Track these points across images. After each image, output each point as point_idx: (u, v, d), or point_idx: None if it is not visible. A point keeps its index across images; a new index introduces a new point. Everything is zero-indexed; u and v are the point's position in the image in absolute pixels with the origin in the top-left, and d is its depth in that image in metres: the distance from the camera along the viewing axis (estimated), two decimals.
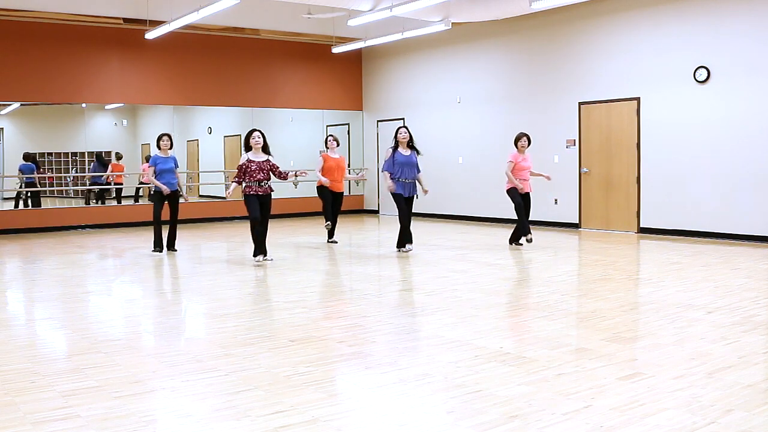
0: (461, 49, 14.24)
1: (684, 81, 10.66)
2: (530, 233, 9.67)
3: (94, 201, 15.68)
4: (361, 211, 16.86)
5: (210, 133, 18.49)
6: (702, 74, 10.44)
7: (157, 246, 9.71)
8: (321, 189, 10.53)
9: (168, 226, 9.81)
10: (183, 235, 12.45)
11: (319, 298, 6.82)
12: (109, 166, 15.87)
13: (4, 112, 16.20)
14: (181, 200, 9.94)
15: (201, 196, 17.93)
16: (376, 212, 16.67)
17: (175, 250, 9.88)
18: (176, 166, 9.80)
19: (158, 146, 9.77)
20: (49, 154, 16.72)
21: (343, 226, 13.70)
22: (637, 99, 11.29)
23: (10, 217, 13.39)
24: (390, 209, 16.30)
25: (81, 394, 3.80)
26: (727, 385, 3.79)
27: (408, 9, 10.80)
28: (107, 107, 16.21)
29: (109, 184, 15.82)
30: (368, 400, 3.71)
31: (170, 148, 9.78)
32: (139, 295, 7.18)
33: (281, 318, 5.75)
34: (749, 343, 4.68)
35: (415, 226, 13.53)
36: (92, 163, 15.97)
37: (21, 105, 14.86)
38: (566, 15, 12.21)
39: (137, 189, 16.70)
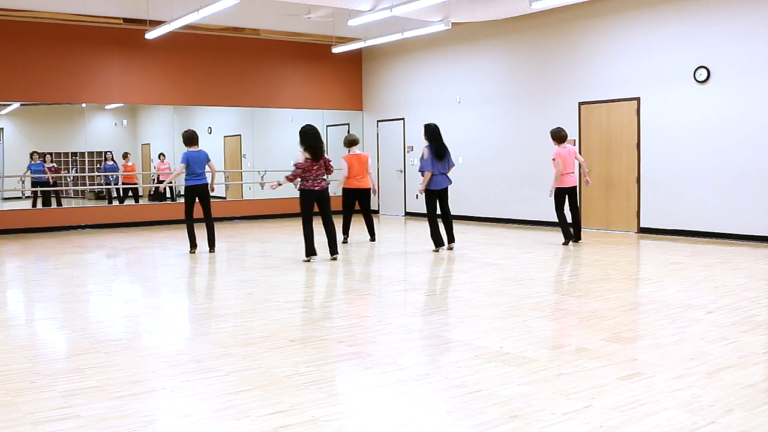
0: (461, 49, 14.24)
1: (684, 81, 10.66)
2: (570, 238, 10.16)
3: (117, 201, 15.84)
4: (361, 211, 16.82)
5: (210, 133, 18.48)
6: (702, 74, 10.44)
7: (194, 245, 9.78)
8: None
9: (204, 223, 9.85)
10: (183, 234, 12.46)
11: (319, 298, 6.82)
12: (121, 167, 15.98)
13: (4, 112, 16.19)
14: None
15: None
16: (375, 212, 16.66)
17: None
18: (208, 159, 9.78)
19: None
20: (49, 154, 16.71)
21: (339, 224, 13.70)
22: (637, 99, 11.29)
23: (10, 217, 13.39)
24: (390, 209, 16.31)
25: (81, 394, 3.80)
26: (727, 385, 3.79)
27: (408, 9, 10.80)
28: (107, 107, 16.21)
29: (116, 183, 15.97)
30: (368, 400, 3.71)
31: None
32: (139, 295, 7.19)
33: (281, 318, 5.75)
34: (749, 343, 4.68)
35: (416, 226, 13.54)
36: (106, 163, 16.09)
37: (21, 105, 14.86)
38: (566, 15, 12.21)
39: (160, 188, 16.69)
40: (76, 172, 16.33)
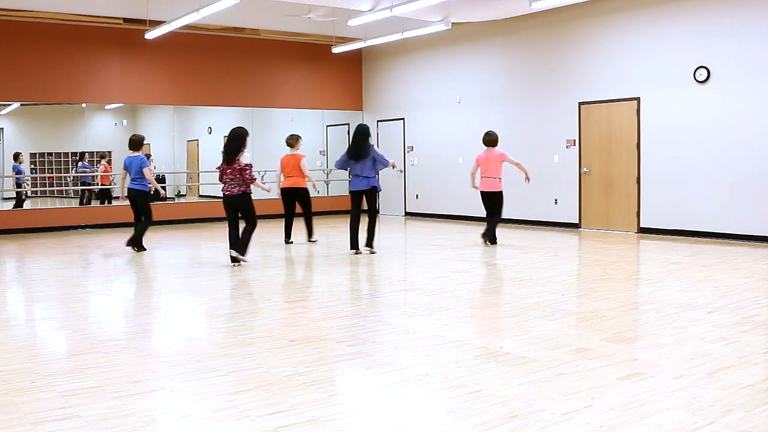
0: (461, 49, 14.24)
1: (684, 81, 10.66)
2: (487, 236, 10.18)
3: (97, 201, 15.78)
4: (361, 211, 16.83)
5: (210, 133, 18.49)
6: (702, 74, 10.44)
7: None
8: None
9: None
10: (183, 235, 12.47)
11: (319, 298, 6.82)
12: (101, 166, 15.94)
13: (4, 112, 16.20)
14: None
15: (201, 196, 17.93)
16: (376, 212, 16.64)
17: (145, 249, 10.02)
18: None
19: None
20: (49, 154, 16.73)
21: (343, 225, 13.70)
22: (637, 99, 11.29)
23: (10, 217, 13.39)
24: (390, 209, 16.31)
25: (81, 394, 3.80)
26: (727, 385, 3.79)
27: (408, 9, 10.80)
28: (107, 107, 16.22)
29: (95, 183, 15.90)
30: (368, 400, 3.71)
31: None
32: (139, 295, 7.18)
33: (281, 318, 5.75)
34: (749, 343, 4.68)
35: (416, 226, 13.54)
36: (80, 163, 16.01)
37: (21, 105, 14.86)
38: (566, 15, 12.21)
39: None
40: (76, 172, 16.33)
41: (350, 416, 3.45)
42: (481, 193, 10.21)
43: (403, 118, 15.73)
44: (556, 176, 12.54)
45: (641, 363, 4.25)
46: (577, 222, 12.31)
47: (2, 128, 16.60)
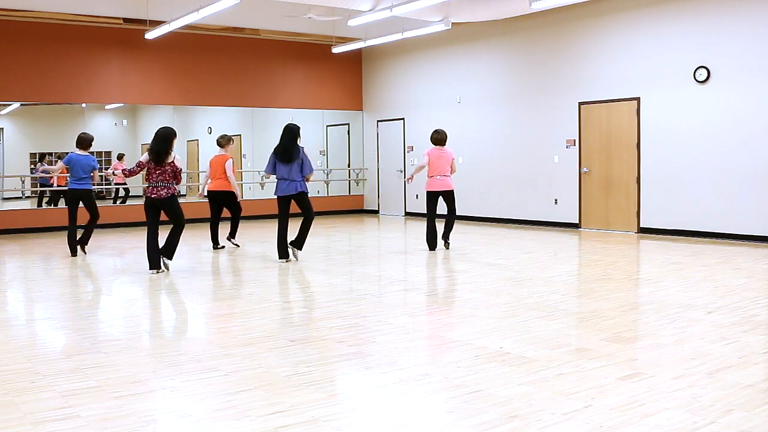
0: (461, 49, 14.24)
1: (684, 81, 10.66)
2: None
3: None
4: (361, 211, 16.87)
5: (210, 133, 18.47)
6: (702, 74, 10.44)
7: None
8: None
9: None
10: (183, 234, 12.44)
11: (319, 298, 6.82)
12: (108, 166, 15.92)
13: (4, 112, 16.19)
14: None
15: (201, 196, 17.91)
16: (376, 212, 16.67)
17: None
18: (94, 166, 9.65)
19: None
20: (49, 154, 16.70)
21: (343, 225, 13.71)
22: (637, 99, 11.29)
23: (10, 217, 13.38)
24: (390, 209, 16.31)
25: (81, 394, 3.80)
26: (727, 385, 3.79)
27: (408, 9, 10.80)
28: (107, 107, 16.21)
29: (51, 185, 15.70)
30: (368, 400, 3.71)
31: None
32: (139, 295, 7.18)
33: (281, 318, 5.75)
34: (749, 343, 4.68)
35: (415, 226, 13.53)
36: (39, 165, 15.86)
37: (21, 105, 14.85)
38: (566, 15, 12.21)
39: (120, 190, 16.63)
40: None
41: (350, 416, 3.45)
42: (433, 193, 9.55)
43: (403, 118, 15.74)
44: (556, 176, 12.55)
45: (641, 363, 4.25)
46: (577, 222, 12.31)
47: (2, 128, 16.60)
